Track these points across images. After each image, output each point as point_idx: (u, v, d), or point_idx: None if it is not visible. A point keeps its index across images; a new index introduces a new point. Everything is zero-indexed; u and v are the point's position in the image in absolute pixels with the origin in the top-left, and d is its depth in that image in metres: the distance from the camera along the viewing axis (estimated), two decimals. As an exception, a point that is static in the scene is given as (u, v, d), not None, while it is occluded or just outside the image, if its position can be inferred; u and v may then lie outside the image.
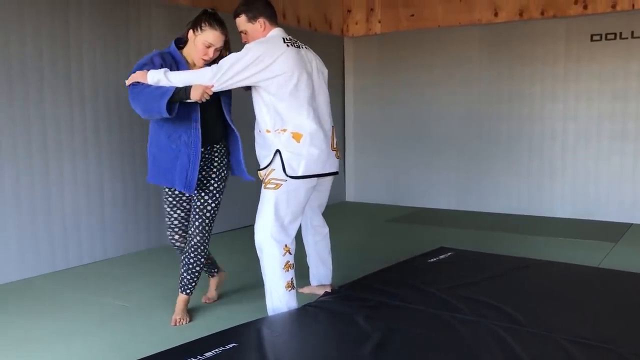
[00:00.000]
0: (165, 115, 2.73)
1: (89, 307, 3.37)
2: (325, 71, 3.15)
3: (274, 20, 3.02)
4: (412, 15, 6.72)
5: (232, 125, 3.10)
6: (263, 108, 2.89)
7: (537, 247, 4.62)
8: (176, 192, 3.07)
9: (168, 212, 3.12)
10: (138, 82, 2.84)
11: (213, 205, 3.04)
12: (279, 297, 2.84)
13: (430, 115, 6.64)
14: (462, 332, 2.50)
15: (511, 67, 6.12)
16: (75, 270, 4.19)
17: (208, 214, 3.02)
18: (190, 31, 2.97)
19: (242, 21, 3.00)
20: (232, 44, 3.08)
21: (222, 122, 3.10)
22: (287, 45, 2.88)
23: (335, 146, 3.03)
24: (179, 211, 3.10)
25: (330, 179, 3.12)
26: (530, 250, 4.47)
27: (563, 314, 2.73)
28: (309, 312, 2.84)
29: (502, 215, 6.13)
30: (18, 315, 3.26)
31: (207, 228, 3.03)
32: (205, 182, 3.04)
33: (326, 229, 3.29)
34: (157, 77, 2.81)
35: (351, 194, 7.27)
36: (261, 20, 2.96)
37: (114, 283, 3.87)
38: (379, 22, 6.97)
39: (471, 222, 5.82)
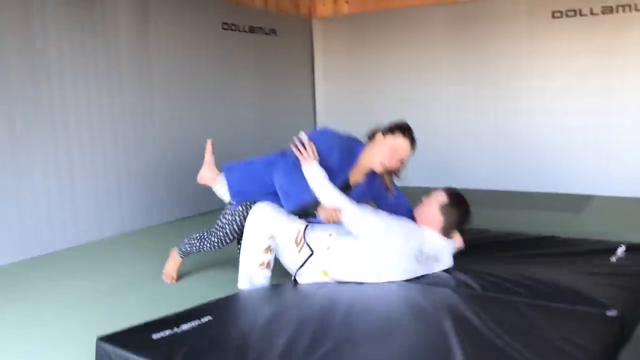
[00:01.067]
0: (291, 207, 2.82)
1: (63, 292, 3.40)
2: None
3: None
4: (379, -5, 6.78)
5: None
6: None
7: (501, 220, 4.76)
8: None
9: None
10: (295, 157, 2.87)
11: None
12: (251, 271, 2.90)
13: (399, 95, 6.73)
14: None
15: (476, 45, 6.23)
16: (48, 257, 4.20)
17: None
18: (380, 134, 2.98)
19: None
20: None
21: None
22: None
23: None
24: None
25: None
26: (494, 222, 4.60)
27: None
28: (280, 287, 2.91)
29: (469, 191, 6.26)
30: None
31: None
32: None
33: None
34: (315, 181, 2.82)
35: (323, 175, 7.35)
36: None
37: (88, 267, 3.90)
38: (346, 2, 7.02)
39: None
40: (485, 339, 2.15)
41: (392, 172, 3.03)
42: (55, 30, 4.29)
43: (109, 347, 2.21)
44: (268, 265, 2.92)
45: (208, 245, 3.28)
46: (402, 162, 2.97)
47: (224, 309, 2.59)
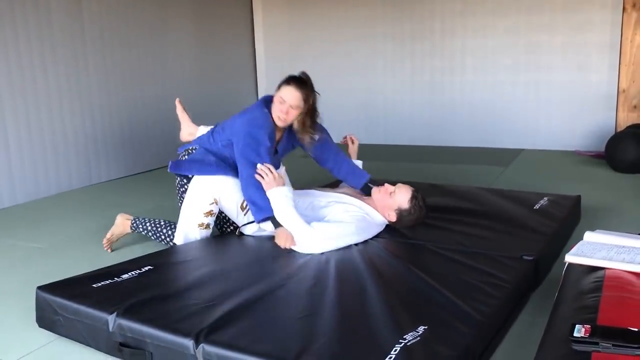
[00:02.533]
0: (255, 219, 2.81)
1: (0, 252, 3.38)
2: None
3: None
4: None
5: None
6: None
7: (435, 174, 4.95)
8: None
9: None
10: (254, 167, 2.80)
11: None
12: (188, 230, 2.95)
13: (337, 52, 6.80)
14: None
15: (412, 3, 6.33)
16: (-17, 217, 4.13)
17: None
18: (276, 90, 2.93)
19: None
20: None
21: None
22: None
23: None
24: None
25: None
26: (428, 177, 4.79)
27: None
28: (223, 238, 2.99)
29: (405, 147, 6.46)
30: None
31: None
32: None
33: None
34: (281, 208, 2.73)
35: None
36: None
37: (26, 228, 3.86)
38: (285, -41, 6.97)
39: (375, 153, 6.10)
40: (405, 280, 2.31)
41: (304, 124, 2.96)
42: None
43: (48, 297, 2.25)
44: (207, 227, 2.96)
45: (164, 239, 3.13)
46: (295, 109, 2.88)
47: (164, 258, 2.66)
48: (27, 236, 3.65)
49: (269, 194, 2.79)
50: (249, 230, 2.96)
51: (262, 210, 2.77)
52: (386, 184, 2.96)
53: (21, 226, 3.89)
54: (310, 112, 2.96)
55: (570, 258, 2.09)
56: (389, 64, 6.57)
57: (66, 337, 2.22)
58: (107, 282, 2.34)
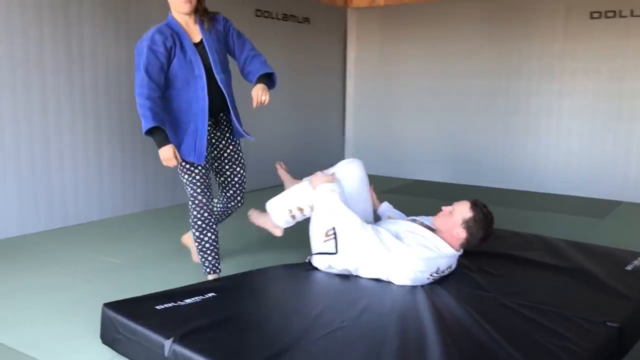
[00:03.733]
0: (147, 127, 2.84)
1: (80, 264, 3.52)
2: None
3: None
4: (415, -12, 6.74)
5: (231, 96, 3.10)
6: None
7: (523, 221, 4.71)
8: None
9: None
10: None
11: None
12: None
13: (430, 89, 6.69)
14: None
15: (510, 42, 6.14)
16: (71, 229, 4.33)
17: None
18: None
19: None
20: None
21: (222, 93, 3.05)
22: None
23: None
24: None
25: None
26: (516, 224, 4.56)
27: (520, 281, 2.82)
28: (290, 271, 2.95)
29: (495, 190, 6.22)
30: (11, 269, 3.41)
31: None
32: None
33: None
34: (327, 199, 2.76)
35: (349, 166, 7.36)
36: None
37: (108, 242, 4.01)
38: (383, -6, 7.00)
39: (463, 195, 5.88)
40: (472, 335, 2.16)
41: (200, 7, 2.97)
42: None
43: (112, 314, 2.30)
44: (294, 217, 2.91)
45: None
46: None
47: (229, 286, 2.66)
48: (107, 250, 3.79)
49: (317, 190, 2.79)
50: (317, 262, 2.88)
51: (142, 126, 2.81)
52: (442, 207, 2.81)
53: (103, 240, 4.04)
54: None
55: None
56: (482, 102, 6.38)
57: (124, 356, 2.25)
58: (170, 304, 2.36)
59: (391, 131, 7.01)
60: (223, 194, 3.26)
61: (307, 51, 6.60)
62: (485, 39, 6.29)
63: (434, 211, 2.88)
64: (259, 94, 2.96)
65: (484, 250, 3.12)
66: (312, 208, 2.86)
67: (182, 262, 3.49)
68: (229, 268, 3.21)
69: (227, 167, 3.18)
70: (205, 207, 3.03)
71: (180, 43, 2.91)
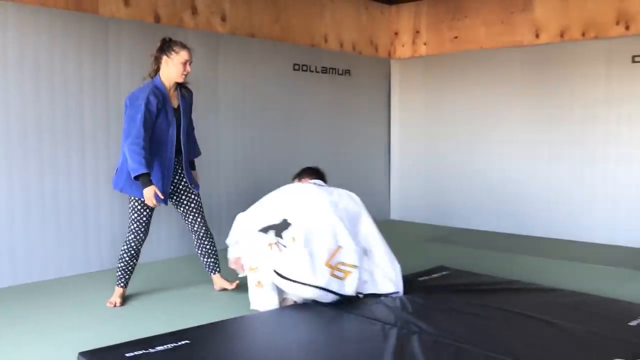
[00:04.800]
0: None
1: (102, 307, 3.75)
2: (351, 203, 3.61)
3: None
4: (456, 37, 6.78)
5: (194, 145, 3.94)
6: None
7: (559, 272, 4.54)
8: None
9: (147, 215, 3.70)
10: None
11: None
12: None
13: (473, 137, 6.64)
14: (389, 343, 2.60)
15: (551, 89, 6.03)
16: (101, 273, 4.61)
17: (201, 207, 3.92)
18: (165, 57, 3.55)
19: None
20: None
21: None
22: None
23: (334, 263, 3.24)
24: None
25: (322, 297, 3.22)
26: (560, 277, 4.38)
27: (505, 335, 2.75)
28: (263, 316, 3.06)
29: (537, 239, 6.02)
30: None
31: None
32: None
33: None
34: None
35: (396, 213, 7.37)
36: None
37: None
38: (425, 44, 7.09)
39: (506, 244, 5.77)
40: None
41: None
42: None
43: (86, 362, 2.46)
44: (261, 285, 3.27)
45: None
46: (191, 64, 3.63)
47: (203, 334, 2.77)
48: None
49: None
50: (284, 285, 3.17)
51: (135, 170, 3.37)
52: None
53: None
54: None
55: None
56: (525, 151, 6.25)
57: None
58: (140, 352, 2.50)
59: (437, 179, 6.97)
60: (187, 223, 3.87)
61: (348, 102, 6.75)
62: (526, 85, 6.19)
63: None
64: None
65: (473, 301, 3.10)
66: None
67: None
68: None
69: (183, 197, 3.81)
70: (141, 242, 3.73)
71: (164, 106, 3.55)
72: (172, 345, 2.57)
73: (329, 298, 3.13)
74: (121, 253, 3.74)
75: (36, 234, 4.33)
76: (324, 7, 6.46)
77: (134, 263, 3.76)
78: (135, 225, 3.66)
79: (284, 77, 6.02)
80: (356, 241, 3.31)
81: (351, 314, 3.03)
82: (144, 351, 2.50)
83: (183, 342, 2.61)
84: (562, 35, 6.00)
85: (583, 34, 5.86)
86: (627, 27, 5.61)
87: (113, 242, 4.69)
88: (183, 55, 3.54)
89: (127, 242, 3.71)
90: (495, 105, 6.45)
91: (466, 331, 2.77)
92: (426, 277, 3.85)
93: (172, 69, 3.54)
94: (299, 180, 3.77)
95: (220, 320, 3.00)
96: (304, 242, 3.14)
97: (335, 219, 3.31)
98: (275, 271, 3.11)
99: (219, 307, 3.61)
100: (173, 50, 3.53)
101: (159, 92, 3.50)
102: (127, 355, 2.46)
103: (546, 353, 2.53)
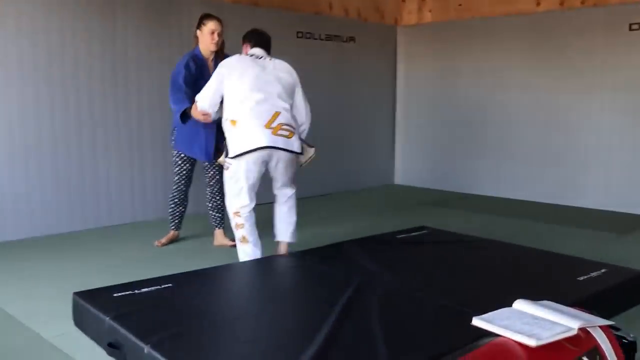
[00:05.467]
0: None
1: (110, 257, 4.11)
2: (285, 75, 3.71)
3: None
4: (460, 5, 6.88)
5: None
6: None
7: (548, 236, 4.72)
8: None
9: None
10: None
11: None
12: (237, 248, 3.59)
13: (475, 103, 6.79)
14: (349, 289, 2.87)
15: (551, 57, 6.13)
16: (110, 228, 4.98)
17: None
18: (197, 31, 4.07)
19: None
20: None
21: None
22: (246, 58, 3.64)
23: (275, 125, 3.43)
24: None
25: (276, 153, 3.48)
26: (539, 237, 4.56)
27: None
28: (239, 267, 3.38)
29: (535, 204, 6.20)
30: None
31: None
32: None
33: (289, 193, 3.76)
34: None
35: (399, 177, 7.60)
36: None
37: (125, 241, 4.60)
38: (430, 11, 7.20)
39: (503, 208, 5.96)
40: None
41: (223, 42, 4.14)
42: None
43: (78, 300, 2.79)
44: (246, 240, 3.56)
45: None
46: (221, 34, 4.06)
47: (185, 279, 3.09)
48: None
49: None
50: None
51: (178, 110, 3.88)
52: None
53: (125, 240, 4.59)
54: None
55: (477, 322, 2.10)
56: (524, 117, 6.38)
57: (88, 336, 2.71)
58: (127, 292, 2.82)
59: (440, 144, 7.16)
60: (206, 177, 4.31)
61: (353, 70, 6.91)
62: (526, 54, 6.29)
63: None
64: None
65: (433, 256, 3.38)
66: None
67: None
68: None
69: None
70: (182, 192, 4.28)
71: (202, 73, 4.01)
72: (155, 287, 2.90)
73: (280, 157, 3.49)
74: (169, 201, 4.36)
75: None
76: (329, -25, 6.60)
77: (180, 210, 4.35)
78: (176, 177, 4.24)
79: (287, 46, 6.20)
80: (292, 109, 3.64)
81: (319, 265, 3.33)
82: (130, 292, 2.83)
83: (166, 285, 2.93)
84: (562, 3, 6.07)
85: (582, 2, 5.93)
86: (625, -6, 5.66)
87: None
88: (209, 25, 4.01)
89: (172, 192, 4.31)
90: (497, 73, 6.58)
91: (421, 282, 3.03)
92: (404, 235, 4.10)
93: (203, 40, 4.04)
94: (243, 44, 3.84)
95: (202, 268, 3.32)
96: (241, 120, 3.41)
97: (272, 88, 3.53)
98: (226, 161, 3.49)
99: (211, 260, 3.93)
100: (202, 23, 4.03)
101: (198, 59, 4.03)
102: (115, 295, 2.79)
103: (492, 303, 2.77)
